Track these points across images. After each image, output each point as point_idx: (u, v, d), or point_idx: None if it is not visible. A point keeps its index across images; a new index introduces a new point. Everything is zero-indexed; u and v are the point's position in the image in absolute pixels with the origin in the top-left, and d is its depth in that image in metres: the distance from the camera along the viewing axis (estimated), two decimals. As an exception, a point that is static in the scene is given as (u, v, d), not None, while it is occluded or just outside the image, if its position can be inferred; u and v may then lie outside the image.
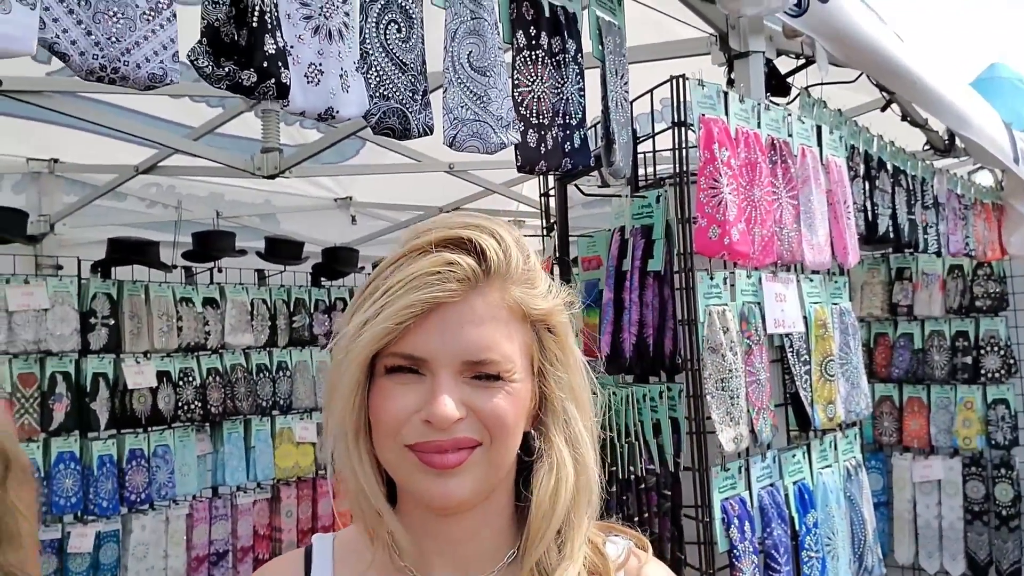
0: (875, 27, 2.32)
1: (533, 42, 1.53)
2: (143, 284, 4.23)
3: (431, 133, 1.35)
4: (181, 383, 4.39)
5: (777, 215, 1.95)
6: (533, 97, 1.51)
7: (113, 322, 4.06)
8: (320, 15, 1.18)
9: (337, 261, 5.13)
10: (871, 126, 2.87)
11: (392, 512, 0.89)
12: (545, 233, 2.53)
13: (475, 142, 1.37)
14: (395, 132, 1.30)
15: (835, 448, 2.18)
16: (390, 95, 1.28)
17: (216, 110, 3.84)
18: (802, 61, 2.37)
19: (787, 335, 2.00)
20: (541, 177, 2.53)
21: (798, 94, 2.36)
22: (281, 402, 4.93)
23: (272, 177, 3.16)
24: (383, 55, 1.27)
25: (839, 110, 2.53)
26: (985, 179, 4.04)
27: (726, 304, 1.82)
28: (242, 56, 1.08)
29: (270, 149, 3.08)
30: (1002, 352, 4.18)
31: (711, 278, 1.80)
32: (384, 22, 1.27)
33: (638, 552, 0.97)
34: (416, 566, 0.91)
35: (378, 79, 1.26)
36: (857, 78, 2.54)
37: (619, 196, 2.01)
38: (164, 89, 3.37)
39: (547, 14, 1.56)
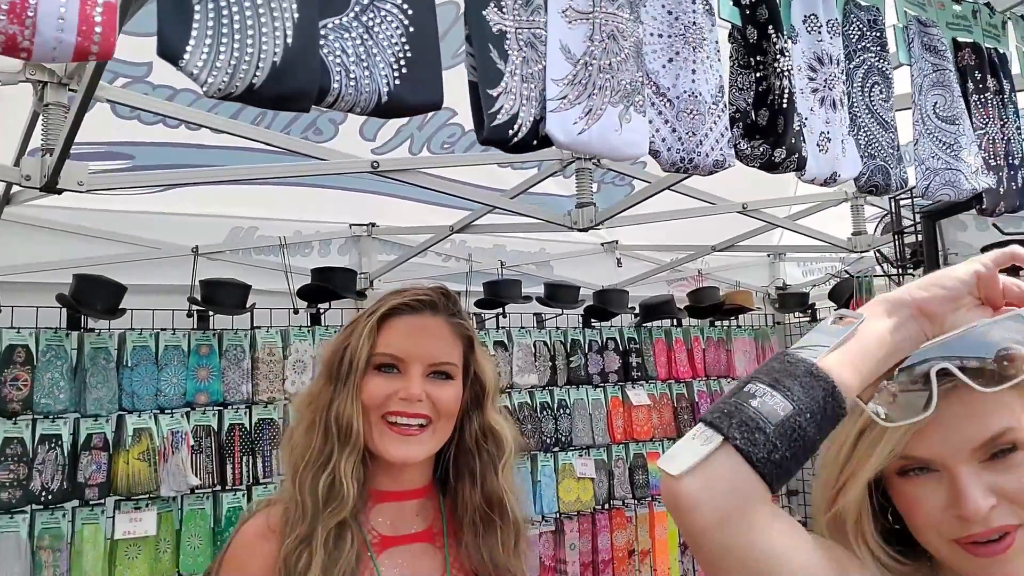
0: None
1: (980, 86, 1.55)
2: (444, 331, 4.59)
3: (905, 187, 1.41)
4: (479, 422, 4.70)
5: None
6: (988, 139, 1.53)
7: (421, 367, 4.44)
8: (825, 87, 1.28)
9: (609, 303, 5.29)
10: None
11: None
12: (900, 274, 2.48)
13: (948, 190, 1.41)
14: (878, 188, 1.37)
15: None
16: (876, 153, 1.35)
17: (505, 170, 4.16)
18: None
19: None
20: (894, 211, 2.51)
21: None
22: (563, 439, 5.13)
23: (586, 230, 3.35)
24: (869, 116, 1.35)
25: None
26: None
27: None
28: (768, 136, 1.20)
29: (585, 204, 3.28)
30: None
31: None
32: (868, 85, 1.35)
33: None
34: None
35: (866, 139, 1.34)
36: None
37: (1041, 231, 1.96)
38: (470, 158, 3.69)
39: (985, 57, 1.57)
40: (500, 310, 4.92)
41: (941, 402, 0.87)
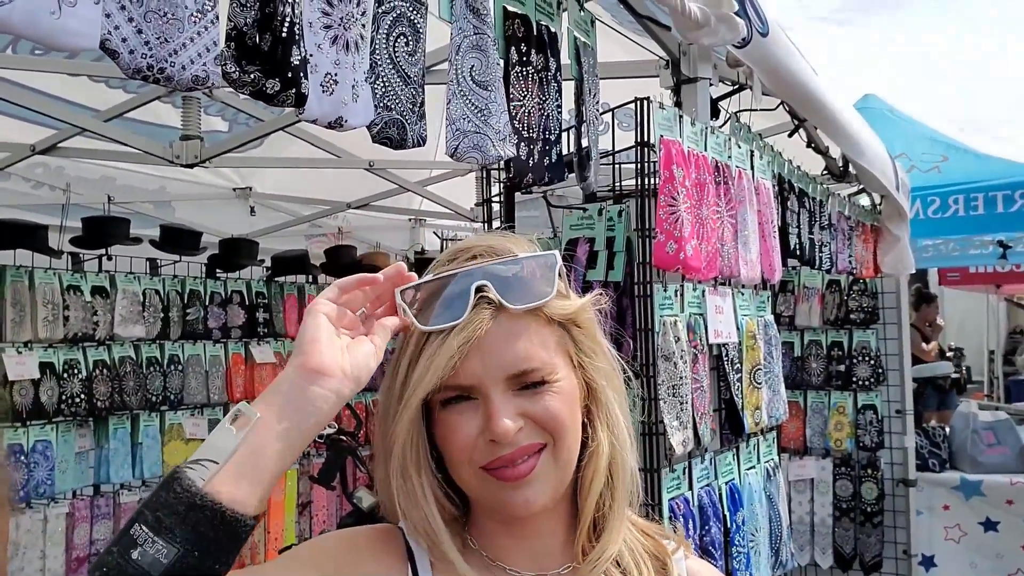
0: (799, 60, 2.50)
1: (524, 58, 1.57)
2: (27, 270, 3.96)
3: (423, 144, 1.38)
4: (66, 375, 4.14)
5: (720, 233, 2.08)
6: (524, 111, 1.56)
7: (-7, 309, 3.79)
8: (340, 26, 1.18)
9: (236, 253, 4.95)
10: (778, 150, 3.07)
11: (451, 542, 0.94)
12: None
13: (475, 153, 1.40)
14: (392, 142, 1.31)
15: (758, 451, 2.34)
16: (392, 106, 1.29)
17: (116, 91, 3.64)
18: (732, 87, 2.52)
19: (724, 345, 2.13)
20: (484, 182, 2.58)
21: (727, 119, 2.51)
22: (172, 397, 4.73)
23: (191, 166, 3.03)
24: (390, 67, 1.28)
25: (760, 134, 2.71)
26: (863, 202, 4.38)
27: (677, 315, 1.92)
28: (266, 63, 1.07)
29: (190, 137, 2.96)
30: (872, 362, 4.55)
31: (665, 290, 1.90)
32: (394, 35, 1.28)
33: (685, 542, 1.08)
34: (498, 560, 0.97)
35: (383, 90, 1.27)
36: (778, 106, 2.72)
37: (584, 208, 2.08)
38: (62, 67, 3.16)
39: (535, 32, 1.60)
40: (103, 251, 4.35)
41: (486, 331, 0.90)
